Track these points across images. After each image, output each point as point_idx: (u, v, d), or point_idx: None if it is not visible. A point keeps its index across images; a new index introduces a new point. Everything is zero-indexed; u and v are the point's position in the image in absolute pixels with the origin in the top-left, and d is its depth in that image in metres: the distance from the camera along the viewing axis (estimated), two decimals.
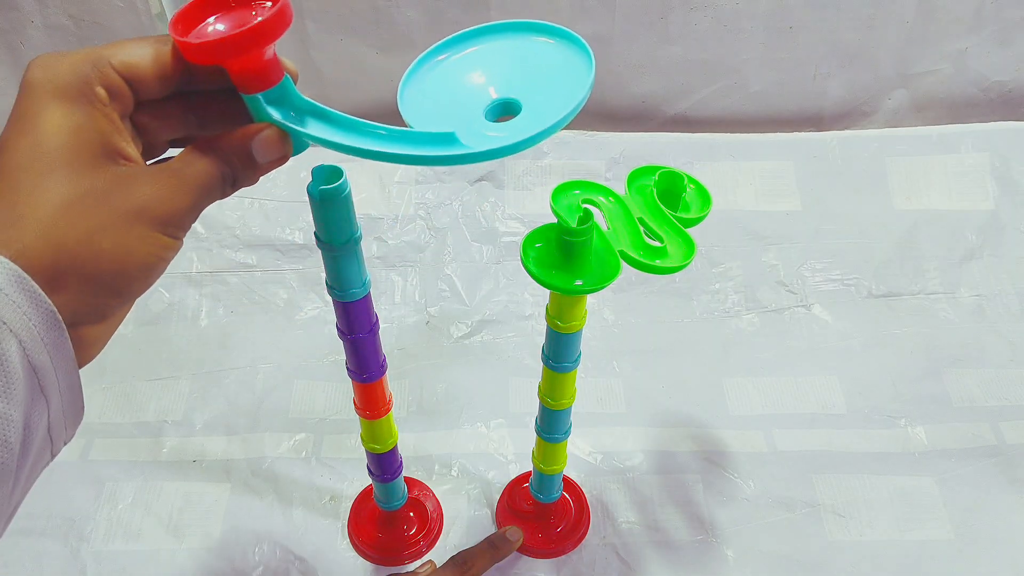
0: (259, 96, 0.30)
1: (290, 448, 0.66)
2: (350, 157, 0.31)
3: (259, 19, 0.28)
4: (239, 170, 0.31)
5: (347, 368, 0.48)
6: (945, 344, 0.74)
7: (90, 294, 0.28)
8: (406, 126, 0.33)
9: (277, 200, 0.80)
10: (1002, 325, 0.76)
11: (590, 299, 0.63)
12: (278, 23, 0.28)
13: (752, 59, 0.80)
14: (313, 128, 0.31)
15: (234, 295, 0.77)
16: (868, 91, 0.83)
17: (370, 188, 0.80)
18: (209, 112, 0.32)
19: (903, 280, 0.78)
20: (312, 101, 0.31)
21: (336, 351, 0.73)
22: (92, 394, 0.70)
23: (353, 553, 0.60)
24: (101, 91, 0.28)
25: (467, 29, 0.35)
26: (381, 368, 0.48)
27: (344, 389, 0.71)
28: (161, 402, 0.70)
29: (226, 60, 0.29)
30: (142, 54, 0.29)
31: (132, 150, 0.29)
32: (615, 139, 0.83)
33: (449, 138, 0.30)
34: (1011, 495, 0.63)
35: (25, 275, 0.25)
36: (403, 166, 0.82)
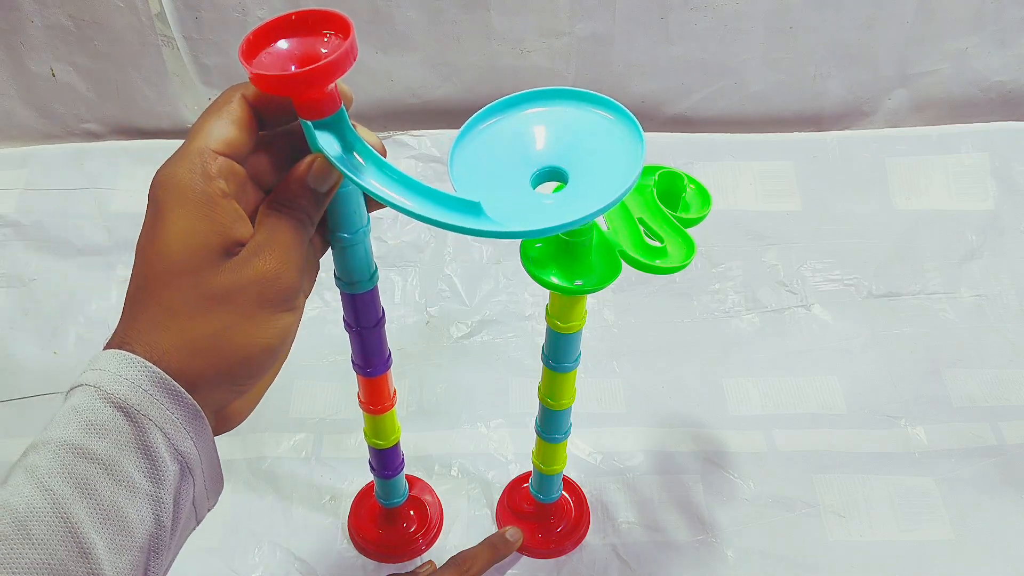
0: (309, 123, 0.32)
1: (290, 448, 0.66)
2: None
3: (328, 59, 0.29)
4: (311, 207, 0.33)
5: (352, 362, 0.48)
6: (945, 344, 0.74)
7: (225, 384, 0.31)
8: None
9: None
10: (1002, 325, 0.76)
11: (590, 299, 0.63)
12: (345, 61, 0.29)
13: (752, 59, 0.80)
14: (350, 164, 0.32)
15: None
16: (868, 91, 0.83)
17: None
18: (297, 146, 0.33)
19: (903, 280, 0.78)
20: (360, 137, 0.32)
21: (336, 351, 0.73)
22: None
23: (354, 553, 0.60)
24: (221, 183, 0.31)
25: (518, 93, 0.36)
26: (387, 363, 0.47)
27: (344, 388, 0.71)
28: None
29: (293, 93, 0.30)
30: (229, 126, 0.31)
31: (249, 229, 0.32)
32: None
33: (475, 208, 0.31)
34: (1011, 495, 0.63)
35: (166, 376, 0.29)
36: (402, 165, 0.82)
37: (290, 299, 0.32)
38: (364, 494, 0.63)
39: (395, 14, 0.76)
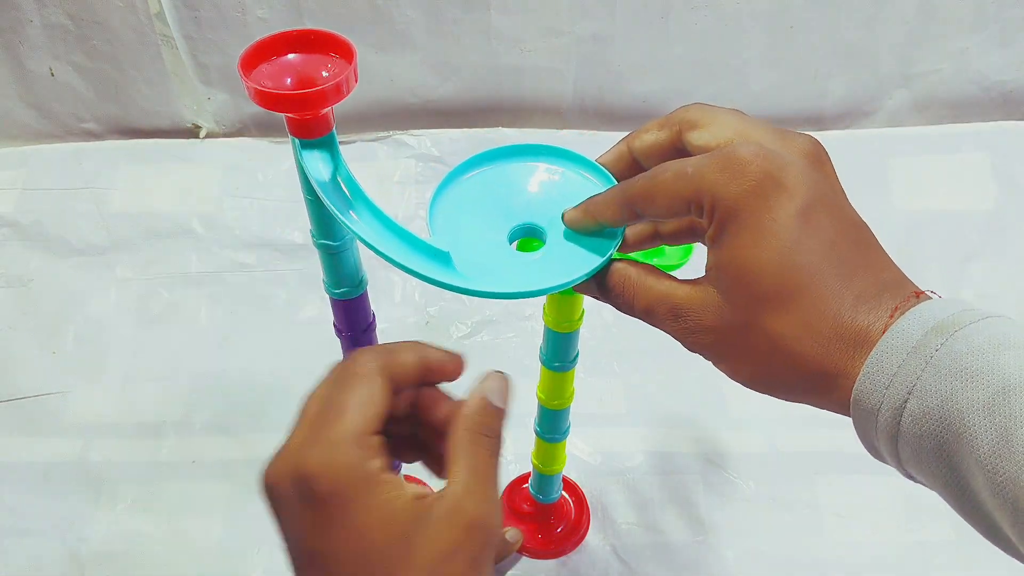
0: (297, 140, 0.32)
1: None
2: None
3: (328, 84, 0.29)
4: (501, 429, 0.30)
5: None
6: None
7: None
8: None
9: (277, 200, 0.80)
10: None
11: (590, 299, 0.63)
12: (343, 88, 0.30)
13: (752, 59, 0.80)
14: (331, 193, 0.32)
15: (234, 295, 0.77)
16: (869, 91, 0.82)
17: (369, 188, 0.79)
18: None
19: None
20: (344, 164, 0.33)
21: (336, 351, 0.73)
22: (92, 394, 0.70)
23: None
24: (379, 462, 0.28)
25: (507, 146, 0.36)
26: None
27: None
28: (161, 402, 0.69)
29: (288, 110, 0.31)
30: (377, 404, 0.29)
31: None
32: (615, 139, 0.82)
33: (444, 258, 0.32)
34: None
35: None
36: (402, 165, 0.82)
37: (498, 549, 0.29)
38: None
39: (395, 14, 0.75)
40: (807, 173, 0.29)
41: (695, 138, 0.31)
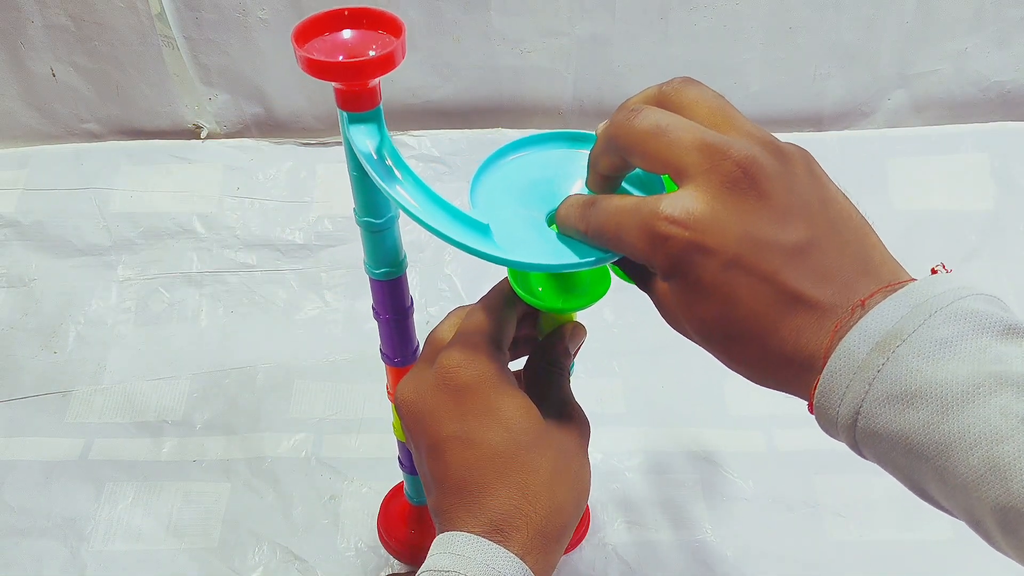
0: (345, 112, 0.33)
1: (290, 448, 0.66)
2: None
3: (376, 55, 0.31)
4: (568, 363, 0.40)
5: (380, 352, 0.47)
6: None
7: (556, 558, 0.34)
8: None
9: (277, 200, 0.80)
10: None
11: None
12: (391, 60, 0.32)
13: (752, 59, 0.80)
14: (377, 166, 0.33)
15: (234, 295, 0.77)
16: (868, 91, 0.83)
17: None
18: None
19: None
20: (389, 139, 0.34)
21: (336, 351, 0.73)
22: (92, 394, 0.70)
23: (353, 552, 0.60)
24: (509, 370, 0.36)
25: (553, 131, 0.38)
26: (415, 354, 0.47)
27: (344, 389, 0.71)
28: (161, 402, 0.70)
29: (338, 80, 0.32)
30: (511, 324, 0.37)
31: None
32: None
33: (484, 229, 0.33)
34: None
35: (531, 572, 0.31)
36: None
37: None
38: (393, 495, 0.62)
39: (395, 14, 0.76)
40: (727, 218, 0.28)
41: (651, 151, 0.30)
